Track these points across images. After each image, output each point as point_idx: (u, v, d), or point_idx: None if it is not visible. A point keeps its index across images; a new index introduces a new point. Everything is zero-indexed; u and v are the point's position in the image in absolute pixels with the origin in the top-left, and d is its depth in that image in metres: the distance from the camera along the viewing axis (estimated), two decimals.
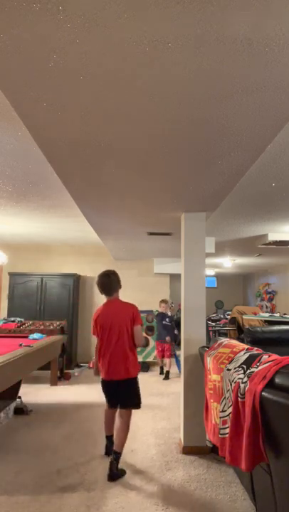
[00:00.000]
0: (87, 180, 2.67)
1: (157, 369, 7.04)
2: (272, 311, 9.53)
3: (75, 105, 1.64)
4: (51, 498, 2.43)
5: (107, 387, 2.98)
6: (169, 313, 6.85)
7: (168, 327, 6.62)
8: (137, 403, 2.96)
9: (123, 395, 2.93)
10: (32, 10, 1.11)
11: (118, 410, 2.94)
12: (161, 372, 6.50)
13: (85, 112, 1.70)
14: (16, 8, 1.11)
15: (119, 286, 3.09)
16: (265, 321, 6.65)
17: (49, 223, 5.09)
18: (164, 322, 6.62)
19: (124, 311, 2.95)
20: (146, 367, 6.97)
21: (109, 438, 3.09)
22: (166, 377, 6.24)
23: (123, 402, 2.93)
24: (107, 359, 2.89)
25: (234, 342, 2.54)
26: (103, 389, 3.02)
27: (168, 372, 6.33)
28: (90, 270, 7.63)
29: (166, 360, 6.44)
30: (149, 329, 7.43)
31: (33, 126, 1.85)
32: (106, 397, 3.05)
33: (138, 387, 2.98)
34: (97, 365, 3.04)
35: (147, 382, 5.96)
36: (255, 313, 7.35)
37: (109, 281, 3.02)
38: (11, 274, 7.14)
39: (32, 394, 4.99)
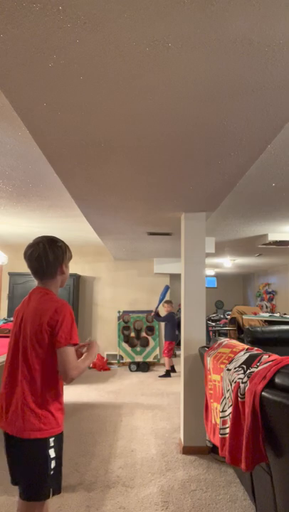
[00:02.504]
0: (87, 180, 2.67)
1: (157, 369, 7.05)
2: (272, 311, 9.53)
3: (75, 105, 1.64)
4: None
5: (6, 446, 1.60)
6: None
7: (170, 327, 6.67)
8: (41, 491, 1.55)
9: (18, 467, 1.57)
10: (32, 10, 1.11)
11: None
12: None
13: (85, 112, 1.70)
14: (16, 8, 1.11)
15: (60, 269, 1.69)
16: (265, 321, 6.65)
17: (49, 223, 5.09)
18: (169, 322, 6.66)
19: (41, 314, 1.56)
20: (146, 367, 6.97)
21: None
22: (168, 375, 6.28)
23: (21, 484, 1.58)
24: (3, 392, 1.62)
25: (234, 342, 2.54)
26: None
27: (168, 371, 6.35)
28: (90, 270, 7.63)
29: (166, 359, 6.45)
30: (149, 329, 7.43)
31: (33, 126, 1.85)
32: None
33: (48, 459, 1.54)
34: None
35: (147, 383, 5.96)
36: (255, 313, 7.34)
37: (37, 255, 1.65)
38: (11, 274, 7.13)
39: None
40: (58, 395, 1.65)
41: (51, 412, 1.59)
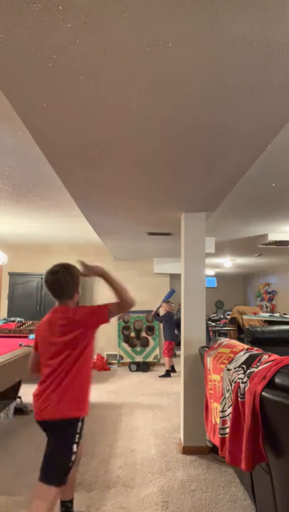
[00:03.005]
0: (87, 180, 2.67)
1: (157, 369, 7.05)
2: (272, 311, 9.53)
3: (75, 105, 1.64)
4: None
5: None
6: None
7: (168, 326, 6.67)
8: (59, 475, 1.88)
9: (49, 445, 1.96)
10: (32, 10, 1.11)
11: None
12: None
13: (85, 112, 1.70)
14: (16, 8, 1.11)
15: (75, 290, 2.06)
16: (265, 321, 6.65)
17: (49, 223, 5.09)
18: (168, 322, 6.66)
19: (69, 319, 1.96)
20: (146, 367, 6.98)
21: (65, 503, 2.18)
22: (168, 375, 6.26)
23: (44, 460, 1.92)
24: (41, 382, 1.98)
25: (234, 342, 2.54)
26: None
27: (168, 371, 6.34)
28: None
29: (167, 359, 6.45)
30: (149, 329, 7.43)
31: (33, 126, 1.85)
32: None
33: (75, 442, 1.92)
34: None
35: (147, 383, 5.96)
36: (255, 313, 7.35)
37: (58, 280, 2.00)
38: (11, 274, 7.14)
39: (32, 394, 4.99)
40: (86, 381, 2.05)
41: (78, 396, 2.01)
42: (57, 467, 1.87)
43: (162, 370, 6.82)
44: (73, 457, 1.88)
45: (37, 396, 1.93)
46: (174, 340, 6.60)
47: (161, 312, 6.89)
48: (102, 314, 1.92)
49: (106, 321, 1.92)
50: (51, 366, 1.90)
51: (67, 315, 1.94)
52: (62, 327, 1.92)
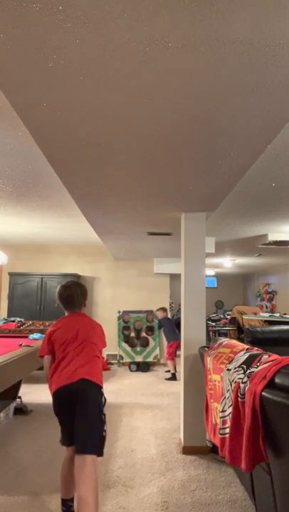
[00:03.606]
0: (87, 180, 2.67)
1: (158, 369, 7.05)
2: (272, 311, 9.53)
3: (75, 105, 1.64)
4: (51, 498, 2.43)
5: (62, 402, 2.14)
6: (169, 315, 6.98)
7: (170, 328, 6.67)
8: (100, 443, 2.07)
9: (82, 415, 2.05)
10: (32, 10, 1.11)
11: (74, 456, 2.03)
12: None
13: (85, 112, 1.70)
14: (16, 8, 1.11)
15: (84, 303, 2.50)
16: (265, 321, 6.65)
17: (49, 223, 5.09)
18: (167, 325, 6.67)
19: (95, 327, 2.38)
20: (146, 367, 6.98)
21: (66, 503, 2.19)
22: (174, 378, 6.18)
23: (81, 433, 2.03)
24: (65, 364, 2.20)
25: (234, 342, 2.54)
26: (55, 410, 2.17)
27: (174, 374, 6.25)
28: (90, 270, 7.64)
29: (170, 362, 6.41)
30: (149, 329, 7.44)
31: (33, 126, 1.85)
32: (61, 425, 2.20)
33: (103, 412, 2.14)
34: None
35: (147, 383, 5.96)
36: (255, 313, 7.35)
37: (71, 293, 2.42)
38: (11, 274, 7.14)
39: (32, 394, 4.99)
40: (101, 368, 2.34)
41: (100, 372, 2.30)
42: (96, 434, 2.06)
43: (162, 370, 6.83)
44: (105, 427, 2.12)
45: (61, 372, 2.15)
46: (175, 341, 6.57)
47: (161, 316, 6.89)
48: (103, 343, 2.41)
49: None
50: (75, 352, 2.22)
51: (88, 320, 2.41)
52: (87, 325, 2.34)
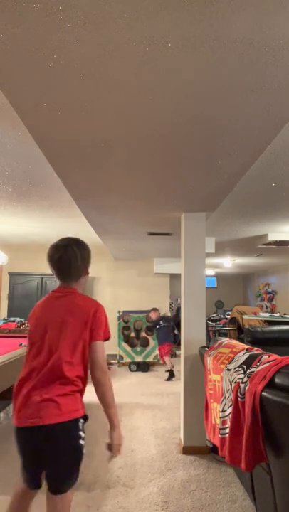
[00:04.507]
0: (87, 180, 2.67)
1: (158, 369, 7.05)
2: (272, 311, 9.53)
3: (75, 105, 1.64)
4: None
5: (24, 441, 1.63)
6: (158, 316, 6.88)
7: (167, 329, 6.63)
8: (75, 478, 1.60)
9: (53, 459, 1.56)
10: (32, 10, 1.11)
11: (46, 496, 1.59)
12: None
13: (85, 112, 1.70)
14: (16, 8, 1.11)
15: (85, 271, 1.81)
16: (265, 321, 6.65)
17: (49, 223, 5.09)
18: (163, 326, 6.64)
19: (79, 310, 1.66)
20: (146, 367, 6.97)
21: None
22: (172, 375, 6.18)
23: (54, 477, 1.57)
24: (27, 388, 1.59)
25: (234, 342, 2.54)
26: (18, 446, 1.66)
27: (172, 371, 6.27)
28: (90, 270, 7.61)
29: (167, 358, 6.42)
30: (150, 329, 7.44)
31: (33, 126, 1.85)
32: (22, 463, 1.66)
33: (81, 444, 1.62)
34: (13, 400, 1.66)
35: (147, 383, 5.96)
36: (255, 313, 7.35)
37: (65, 256, 1.72)
38: (11, 274, 7.14)
39: None
40: (83, 384, 1.75)
41: (76, 398, 1.68)
42: (74, 475, 1.64)
43: (162, 371, 6.82)
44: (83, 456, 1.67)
45: (23, 399, 1.61)
46: (172, 342, 6.57)
47: (154, 317, 6.85)
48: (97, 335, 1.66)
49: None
50: (42, 362, 1.69)
51: (77, 302, 1.71)
52: (66, 315, 1.70)
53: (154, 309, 6.91)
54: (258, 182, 3.11)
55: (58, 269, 1.74)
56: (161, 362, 6.63)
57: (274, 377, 1.65)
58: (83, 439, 1.62)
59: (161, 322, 6.70)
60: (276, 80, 1.44)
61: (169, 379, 6.12)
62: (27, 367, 1.64)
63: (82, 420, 1.65)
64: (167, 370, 6.36)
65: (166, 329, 6.61)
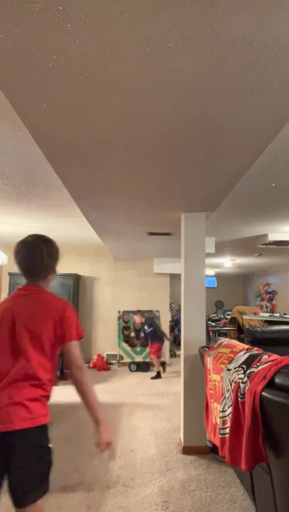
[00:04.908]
0: (87, 180, 2.67)
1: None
2: (272, 311, 9.53)
3: (75, 105, 1.64)
4: (51, 498, 2.42)
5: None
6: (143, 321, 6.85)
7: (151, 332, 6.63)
8: (47, 485, 1.48)
9: (18, 469, 1.41)
10: (32, 10, 1.11)
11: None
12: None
13: (85, 112, 1.70)
14: (16, 8, 1.11)
15: (52, 270, 1.72)
16: (265, 321, 6.65)
17: (49, 223, 5.09)
18: (147, 330, 6.66)
19: (46, 309, 1.59)
20: (146, 367, 6.97)
21: None
22: (158, 377, 6.26)
23: (23, 487, 1.42)
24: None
25: (234, 342, 2.54)
26: None
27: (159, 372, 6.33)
28: (90, 270, 7.63)
29: (156, 360, 6.44)
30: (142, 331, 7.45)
31: (33, 126, 1.85)
32: None
33: (50, 452, 1.51)
34: None
35: (147, 383, 5.96)
36: (255, 313, 7.35)
37: (31, 254, 1.68)
38: (11, 274, 7.13)
39: None
40: (51, 386, 1.61)
41: (44, 403, 1.55)
42: (44, 484, 1.49)
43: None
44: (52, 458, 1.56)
45: None
46: (162, 342, 6.55)
47: (138, 321, 6.82)
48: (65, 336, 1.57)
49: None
50: (9, 363, 1.57)
51: (43, 300, 1.62)
52: (33, 312, 1.61)
53: (138, 312, 6.85)
54: (258, 182, 3.11)
55: (25, 267, 1.68)
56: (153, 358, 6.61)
57: (274, 377, 1.65)
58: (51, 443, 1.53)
59: (146, 327, 6.65)
60: (276, 79, 1.44)
61: (155, 377, 6.22)
62: None
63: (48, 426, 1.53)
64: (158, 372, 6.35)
65: (154, 330, 6.58)
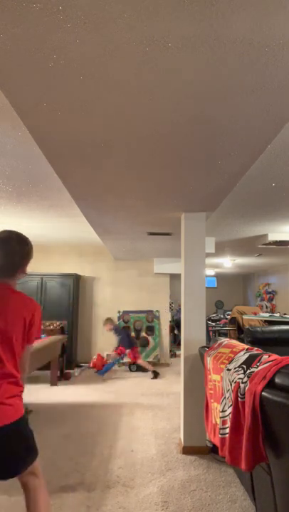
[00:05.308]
0: (87, 180, 2.67)
1: (158, 369, 7.05)
2: (272, 311, 9.53)
3: (75, 105, 1.64)
4: (51, 498, 2.42)
5: None
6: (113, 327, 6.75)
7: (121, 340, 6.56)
8: (35, 450, 1.70)
9: (15, 450, 1.58)
10: (32, 10, 1.11)
11: (21, 478, 1.65)
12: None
13: (85, 112, 1.70)
14: (16, 8, 1.11)
15: (22, 268, 1.69)
16: (265, 321, 6.66)
17: (49, 223, 5.09)
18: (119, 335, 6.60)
19: (18, 308, 1.61)
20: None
21: None
22: (156, 375, 6.27)
23: (21, 460, 1.61)
24: None
25: (234, 342, 2.54)
26: None
27: (155, 371, 6.35)
28: (90, 270, 7.63)
29: (142, 362, 6.44)
30: (149, 329, 7.44)
31: (33, 126, 1.85)
32: None
33: (28, 437, 1.67)
34: None
35: (147, 383, 5.96)
36: (255, 313, 7.35)
37: (5, 251, 1.64)
38: None
39: (32, 394, 4.99)
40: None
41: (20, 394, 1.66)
42: (29, 457, 1.69)
43: (162, 371, 6.82)
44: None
45: None
46: (133, 346, 6.47)
47: (107, 329, 6.72)
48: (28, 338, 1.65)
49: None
50: None
51: (16, 297, 1.65)
52: (10, 307, 1.64)
53: (107, 320, 6.65)
54: (258, 182, 3.11)
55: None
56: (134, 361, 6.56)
57: (274, 377, 1.65)
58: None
59: (116, 334, 6.57)
60: (276, 79, 1.44)
61: (154, 377, 6.22)
62: None
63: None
64: (153, 372, 6.34)
65: (125, 337, 6.49)
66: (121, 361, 7.19)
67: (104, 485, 2.62)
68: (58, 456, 3.08)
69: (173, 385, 5.75)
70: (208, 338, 6.38)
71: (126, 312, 7.50)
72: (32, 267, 8.15)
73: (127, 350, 6.39)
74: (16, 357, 1.59)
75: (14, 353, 1.59)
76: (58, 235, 6.09)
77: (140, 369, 6.93)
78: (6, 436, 1.54)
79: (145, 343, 7.33)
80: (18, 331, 1.59)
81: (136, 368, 6.95)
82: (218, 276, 12.48)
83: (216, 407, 2.29)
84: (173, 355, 8.29)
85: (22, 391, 1.65)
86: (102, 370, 6.24)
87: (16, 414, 1.56)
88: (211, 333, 8.29)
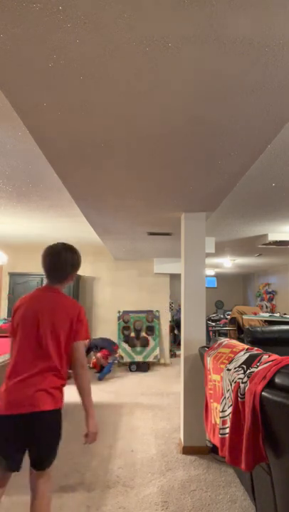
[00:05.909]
0: (87, 180, 2.67)
1: (158, 369, 7.08)
2: (272, 311, 9.53)
3: (75, 105, 1.64)
4: (52, 498, 2.42)
5: (7, 435, 1.72)
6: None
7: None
8: (56, 453, 1.88)
9: (38, 442, 1.77)
10: (32, 10, 1.11)
11: (30, 474, 1.84)
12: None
13: (85, 112, 1.70)
14: (16, 8, 1.11)
15: (73, 275, 1.96)
16: (265, 321, 6.66)
17: (49, 223, 5.09)
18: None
19: (65, 309, 1.83)
20: (146, 367, 6.97)
21: None
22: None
23: (38, 456, 1.79)
24: (16, 372, 1.73)
25: (234, 342, 2.54)
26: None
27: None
28: (90, 270, 7.63)
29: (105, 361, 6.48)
30: (149, 329, 7.44)
31: (33, 126, 1.85)
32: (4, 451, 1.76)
33: (60, 430, 1.87)
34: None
35: (147, 383, 5.96)
36: (255, 313, 7.35)
37: (58, 259, 1.90)
38: (11, 274, 7.14)
39: None
40: (63, 379, 1.88)
41: (56, 389, 1.82)
42: (54, 454, 1.94)
43: (162, 371, 6.82)
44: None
45: (10, 387, 1.75)
46: (107, 349, 6.57)
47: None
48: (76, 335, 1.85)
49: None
50: (30, 351, 1.84)
51: (60, 299, 1.91)
52: (54, 307, 1.89)
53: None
54: (258, 182, 3.11)
55: (49, 270, 1.92)
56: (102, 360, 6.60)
57: (274, 377, 1.65)
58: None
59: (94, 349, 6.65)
60: (276, 79, 1.44)
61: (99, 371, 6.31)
62: (17, 357, 1.77)
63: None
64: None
65: (100, 342, 6.67)
66: (117, 361, 7.18)
67: (104, 485, 2.62)
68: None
69: (173, 385, 5.75)
70: (208, 338, 6.38)
71: (126, 312, 7.50)
72: (32, 267, 8.19)
73: (118, 349, 6.47)
74: (62, 353, 1.79)
75: (61, 349, 1.78)
76: (58, 235, 6.09)
77: (140, 369, 6.93)
78: (44, 421, 1.73)
79: (145, 343, 7.33)
80: (65, 330, 1.79)
81: (136, 367, 6.95)
82: (218, 276, 12.48)
83: (215, 407, 2.29)
84: (173, 355, 8.29)
85: (64, 384, 1.84)
86: (101, 374, 6.23)
87: (55, 404, 1.76)
88: (211, 333, 8.28)
